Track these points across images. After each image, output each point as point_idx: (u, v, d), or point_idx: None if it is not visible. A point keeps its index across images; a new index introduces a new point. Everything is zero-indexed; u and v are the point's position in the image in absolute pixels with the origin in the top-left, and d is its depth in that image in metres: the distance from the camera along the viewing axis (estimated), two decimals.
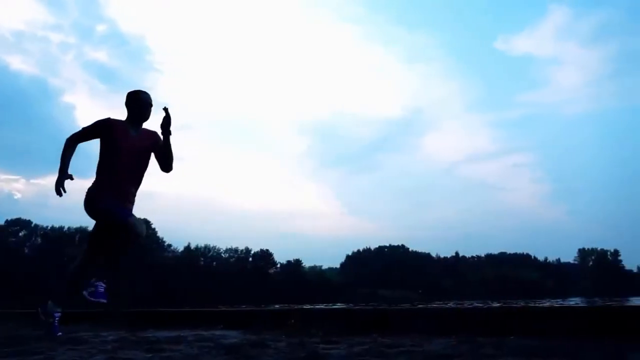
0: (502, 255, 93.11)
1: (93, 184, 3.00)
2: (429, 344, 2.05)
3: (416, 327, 2.45)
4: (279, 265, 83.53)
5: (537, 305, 2.48)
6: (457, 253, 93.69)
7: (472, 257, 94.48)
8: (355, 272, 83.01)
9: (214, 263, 78.41)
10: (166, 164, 3.13)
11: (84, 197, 2.96)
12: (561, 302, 19.43)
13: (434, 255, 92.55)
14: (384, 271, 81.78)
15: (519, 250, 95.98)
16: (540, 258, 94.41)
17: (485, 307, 2.46)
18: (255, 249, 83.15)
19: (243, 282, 71.51)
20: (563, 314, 2.33)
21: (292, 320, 2.76)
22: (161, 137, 3.09)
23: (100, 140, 3.00)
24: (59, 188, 2.87)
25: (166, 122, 3.04)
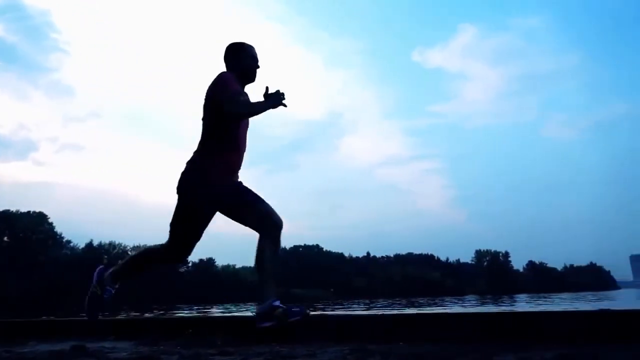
0: (409, 255, 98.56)
1: (205, 158, 2.29)
2: (323, 354, 2.10)
3: (318, 335, 2.49)
4: (190, 264, 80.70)
5: (425, 312, 2.65)
6: (368, 253, 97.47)
7: (382, 257, 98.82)
8: None
9: (120, 261, 73.58)
10: None
11: (186, 172, 2.29)
12: (455, 301, 21.10)
13: (346, 255, 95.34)
14: (298, 271, 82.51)
15: (424, 251, 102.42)
16: (443, 258, 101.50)
17: (379, 314, 2.58)
18: None
19: (151, 282, 68.00)
20: (450, 320, 2.49)
21: (190, 330, 2.68)
22: None
23: (215, 105, 2.25)
24: (282, 100, 2.19)
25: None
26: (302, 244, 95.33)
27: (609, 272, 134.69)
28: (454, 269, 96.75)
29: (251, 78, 2.42)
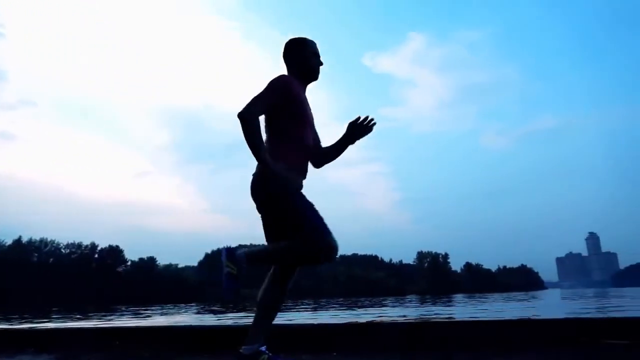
0: (355, 256, 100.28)
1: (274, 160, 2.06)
2: None
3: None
4: (129, 263, 77.50)
5: (359, 322, 2.70)
6: None
7: None
8: (213, 271, 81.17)
9: (51, 260, 69.18)
10: (322, 163, 2.35)
11: (256, 179, 2.07)
12: (396, 302, 21.71)
13: None
14: (246, 270, 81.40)
15: (369, 252, 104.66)
16: (387, 259, 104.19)
17: (316, 323, 2.59)
18: (102, 244, 76.00)
19: (86, 281, 64.56)
20: (382, 329, 2.54)
21: (117, 342, 2.56)
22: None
23: (277, 106, 2.08)
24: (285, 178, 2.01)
25: (364, 134, 2.27)
26: (248, 243, 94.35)
27: (537, 273, 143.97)
28: (397, 269, 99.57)
29: (314, 76, 2.25)
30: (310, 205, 2.07)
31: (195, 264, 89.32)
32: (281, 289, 2.15)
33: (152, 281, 71.58)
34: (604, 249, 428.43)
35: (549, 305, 13.62)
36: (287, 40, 2.26)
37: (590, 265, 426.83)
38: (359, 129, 2.24)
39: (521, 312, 9.09)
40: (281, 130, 2.09)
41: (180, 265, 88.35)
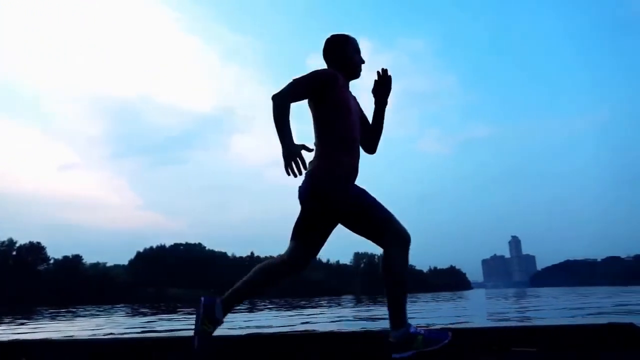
0: None
1: (322, 160, 2.01)
2: None
3: (165, 357, 2.34)
4: (52, 261, 72.39)
5: (274, 333, 2.68)
6: (252, 253, 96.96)
7: (266, 256, 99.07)
8: (145, 271, 77.76)
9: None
10: (374, 143, 2.31)
11: (309, 176, 1.98)
12: (332, 303, 22.06)
13: (230, 254, 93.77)
14: (177, 270, 78.85)
15: None
16: (324, 260, 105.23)
17: (236, 335, 2.55)
18: (22, 240, 70.44)
19: (1, 281, 59.36)
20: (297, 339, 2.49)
21: (24, 359, 2.37)
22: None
23: (319, 99, 2.04)
24: (293, 163, 1.86)
25: (386, 88, 2.25)
26: (184, 242, 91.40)
27: (464, 274, 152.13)
28: (335, 270, 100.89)
29: (357, 74, 2.21)
30: (328, 230, 2.08)
31: (126, 262, 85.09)
32: (403, 254, 2.03)
33: (76, 281, 67.29)
34: (524, 251, 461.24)
35: (477, 305, 14.39)
36: (328, 36, 2.23)
37: (512, 267, 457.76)
38: (380, 86, 2.25)
39: (449, 313, 9.54)
40: (328, 124, 2.04)
41: (108, 264, 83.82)
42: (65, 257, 73.76)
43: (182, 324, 8.14)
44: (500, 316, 8.03)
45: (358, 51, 2.21)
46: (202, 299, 2.02)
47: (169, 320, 9.77)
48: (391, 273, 1.93)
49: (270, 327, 7.29)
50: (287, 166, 1.85)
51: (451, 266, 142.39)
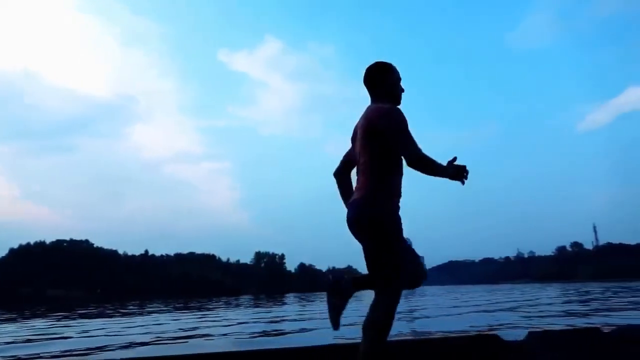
0: (191, 255, 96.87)
1: (382, 192, 2.05)
2: None
3: None
4: None
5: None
6: (146, 251, 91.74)
7: (162, 255, 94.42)
8: (20, 270, 69.45)
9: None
10: None
11: (366, 206, 2.02)
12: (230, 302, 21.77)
13: (121, 252, 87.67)
14: (58, 268, 71.67)
15: (207, 251, 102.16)
16: (224, 259, 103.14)
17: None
18: None
19: None
20: None
21: None
22: None
23: (387, 137, 2.06)
24: (464, 173, 2.00)
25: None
26: (68, 239, 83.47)
27: (361, 274, 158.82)
28: (234, 269, 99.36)
29: (399, 102, 2.24)
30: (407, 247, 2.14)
31: None
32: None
33: None
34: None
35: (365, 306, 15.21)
36: (372, 63, 2.26)
37: None
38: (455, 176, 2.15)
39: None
40: (389, 161, 2.10)
41: None
42: None
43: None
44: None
45: (400, 80, 2.28)
46: (330, 276, 2.22)
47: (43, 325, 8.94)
48: (374, 317, 2.01)
49: (165, 332, 7.10)
50: (464, 177, 2.04)
51: (349, 266, 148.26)
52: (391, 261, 2.00)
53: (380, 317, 1.97)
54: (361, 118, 2.19)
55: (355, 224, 2.07)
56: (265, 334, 6.37)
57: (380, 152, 2.08)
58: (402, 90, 2.26)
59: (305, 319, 9.05)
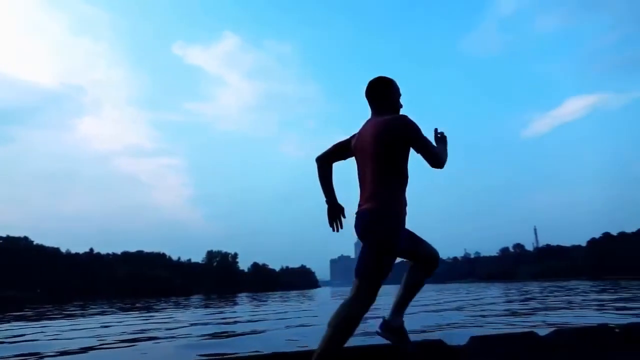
0: (139, 253, 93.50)
1: (395, 202, 2.16)
2: None
3: None
4: None
5: None
6: (91, 249, 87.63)
7: (108, 254, 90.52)
8: None
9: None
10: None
11: (379, 211, 2.13)
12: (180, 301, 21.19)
13: (64, 250, 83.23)
14: None
15: (156, 249, 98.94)
16: (175, 257, 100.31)
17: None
18: None
19: None
20: None
21: None
22: None
23: (402, 146, 2.18)
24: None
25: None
26: (5, 235, 78.29)
27: (314, 273, 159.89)
28: (185, 268, 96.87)
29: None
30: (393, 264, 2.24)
31: None
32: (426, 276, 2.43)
33: None
34: None
35: (324, 303, 15.29)
36: (375, 78, 2.32)
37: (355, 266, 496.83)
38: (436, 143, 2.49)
39: (295, 317, 9.99)
40: (399, 170, 2.17)
41: None
42: None
43: None
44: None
45: (400, 95, 2.37)
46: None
47: None
48: (344, 312, 2.06)
49: (108, 335, 6.81)
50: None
51: (302, 265, 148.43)
52: (381, 269, 2.13)
53: (353, 314, 2.04)
54: (368, 128, 2.22)
55: (368, 235, 2.16)
56: (215, 336, 6.24)
57: (394, 161, 2.14)
58: (401, 106, 2.35)
59: (257, 320, 8.96)
